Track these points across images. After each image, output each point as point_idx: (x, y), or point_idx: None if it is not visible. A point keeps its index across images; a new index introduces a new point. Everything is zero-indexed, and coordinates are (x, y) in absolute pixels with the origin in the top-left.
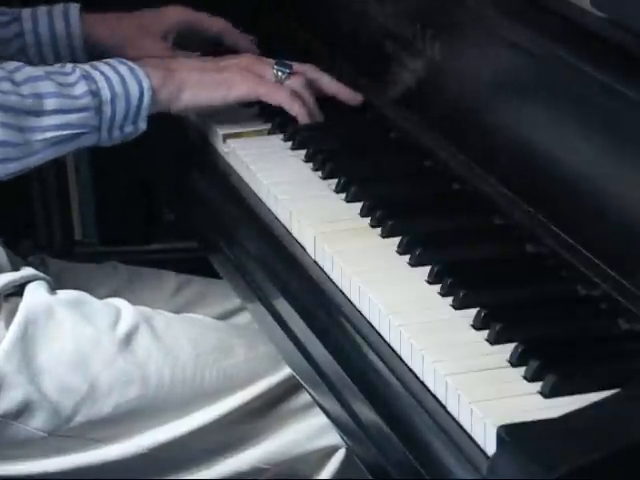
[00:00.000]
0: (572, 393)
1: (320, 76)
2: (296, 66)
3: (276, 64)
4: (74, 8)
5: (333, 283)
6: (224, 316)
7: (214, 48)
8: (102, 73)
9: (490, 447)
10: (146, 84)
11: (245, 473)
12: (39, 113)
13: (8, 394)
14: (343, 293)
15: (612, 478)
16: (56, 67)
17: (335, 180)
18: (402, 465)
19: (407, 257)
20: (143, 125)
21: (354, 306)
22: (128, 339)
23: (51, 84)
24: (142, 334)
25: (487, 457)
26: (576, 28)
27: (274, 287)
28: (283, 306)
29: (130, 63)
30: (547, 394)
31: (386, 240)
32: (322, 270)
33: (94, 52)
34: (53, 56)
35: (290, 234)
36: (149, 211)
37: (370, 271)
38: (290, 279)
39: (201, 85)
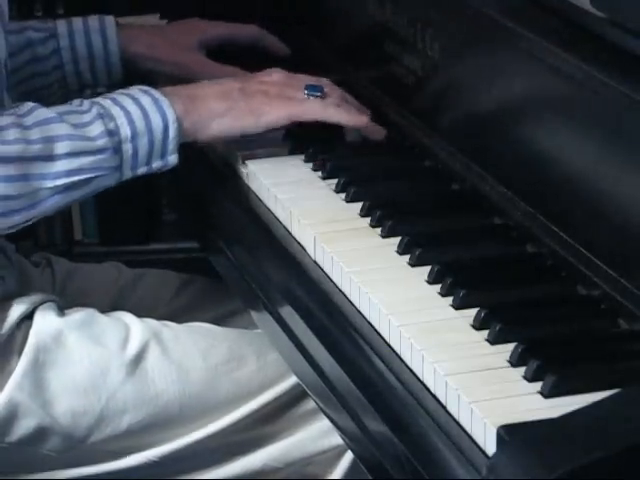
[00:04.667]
0: (572, 393)
1: (349, 100)
2: (327, 88)
3: (307, 88)
4: (110, 23)
5: (333, 283)
6: (227, 315)
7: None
8: (122, 108)
9: (490, 447)
10: (171, 116)
11: (257, 472)
12: (49, 158)
13: (22, 422)
14: (343, 293)
15: (612, 478)
16: (73, 105)
17: (335, 180)
18: (402, 465)
19: (407, 257)
20: (173, 159)
21: (354, 306)
22: (138, 358)
23: (64, 126)
24: (152, 352)
25: (487, 457)
26: (576, 28)
27: (274, 288)
28: (283, 306)
29: (154, 92)
30: (547, 394)
31: (386, 240)
32: (322, 270)
33: (130, 67)
34: (90, 72)
35: (290, 234)
36: (149, 211)
37: (370, 271)
38: (290, 279)
39: (228, 114)
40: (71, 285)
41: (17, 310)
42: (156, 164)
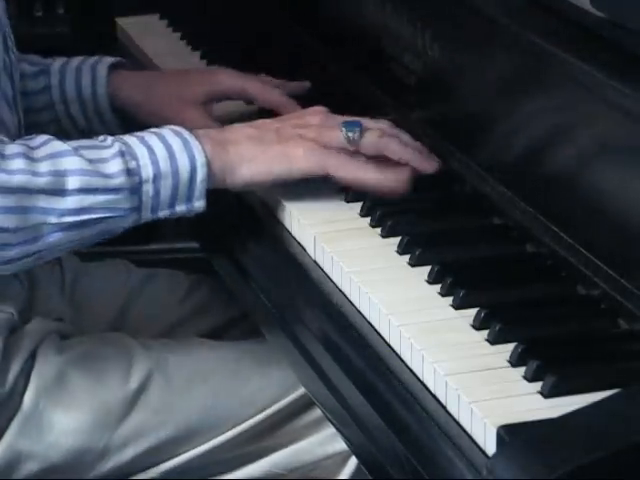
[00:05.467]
0: (572, 393)
1: (394, 132)
2: (365, 122)
3: (344, 126)
4: (103, 63)
5: (333, 283)
6: (237, 317)
7: None
8: (148, 147)
9: (490, 447)
10: (200, 159)
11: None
12: (58, 192)
13: (24, 467)
14: (343, 293)
15: (612, 478)
16: (93, 140)
17: None
18: (402, 465)
19: (407, 257)
20: (199, 205)
21: (354, 306)
22: (141, 391)
23: (77, 160)
24: (155, 383)
25: (487, 457)
26: (576, 28)
27: (274, 288)
28: (283, 307)
29: (185, 134)
30: (547, 394)
31: (386, 240)
32: (322, 270)
33: (124, 114)
34: (82, 115)
35: (290, 234)
36: None
37: (370, 271)
38: (290, 279)
39: (260, 158)
40: (81, 286)
41: (19, 358)
42: (180, 208)
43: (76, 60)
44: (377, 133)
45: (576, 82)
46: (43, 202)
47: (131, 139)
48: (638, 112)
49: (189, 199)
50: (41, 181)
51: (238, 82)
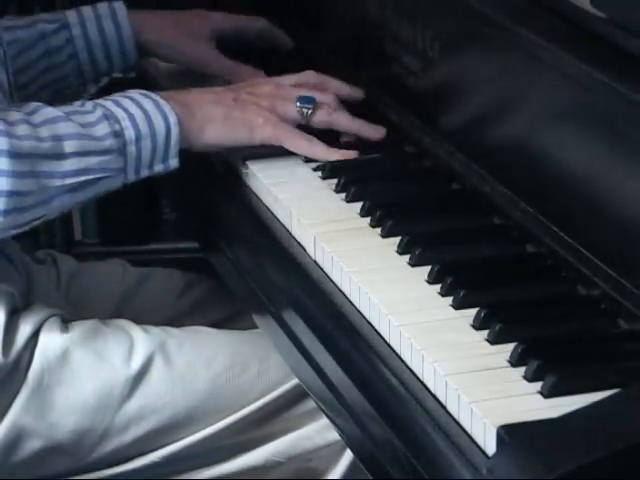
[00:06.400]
0: (572, 393)
1: (340, 108)
2: (319, 96)
3: (299, 101)
4: (120, 9)
5: (333, 283)
6: (234, 315)
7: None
8: (125, 110)
9: (490, 447)
10: (172, 119)
11: (260, 468)
12: (58, 157)
13: (27, 444)
14: (343, 293)
15: (612, 478)
16: (76, 106)
17: (335, 180)
18: (402, 465)
19: (407, 257)
20: (174, 162)
21: (354, 306)
22: (143, 372)
23: (71, 125)
24: (156, 365)
25: (487, 457)
26: (576, 28)
27: (274, 288)
28: (283, 307)
29: (154, 96)
30: (547, 394)
31: (386, 240)
32: (322, 270)
33: (143, 52)
34: (105, 59)
35: (290, 234)
36: (149, 211)
37: (370, 271)
38: (290, 279)
39: (223, 123)
40: (76, 285)
41: (23, 333)
42: (158, 167)
43: (88, 10)
44: (328, 110)
45: (576, 82)
46: (46, 166)
47: (106, 102)
48: (638, 112)
49: (165, 158)
50: (44, 146)
51: (230, 22)
